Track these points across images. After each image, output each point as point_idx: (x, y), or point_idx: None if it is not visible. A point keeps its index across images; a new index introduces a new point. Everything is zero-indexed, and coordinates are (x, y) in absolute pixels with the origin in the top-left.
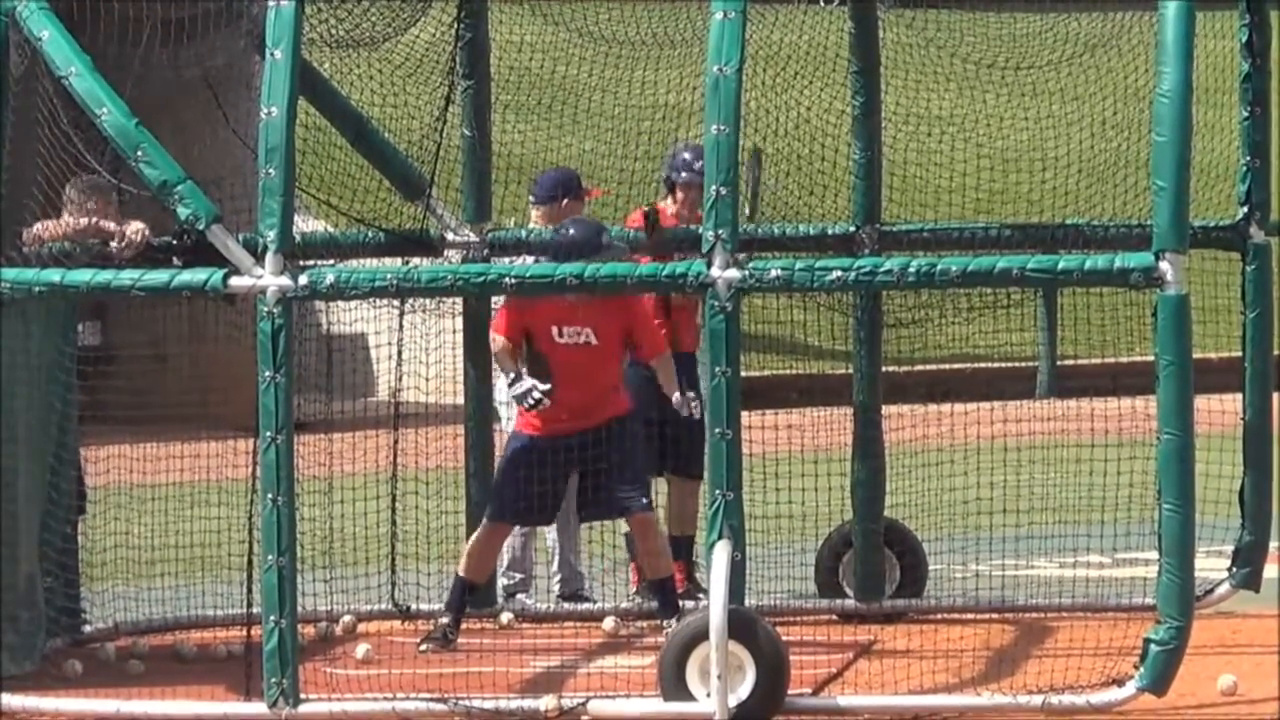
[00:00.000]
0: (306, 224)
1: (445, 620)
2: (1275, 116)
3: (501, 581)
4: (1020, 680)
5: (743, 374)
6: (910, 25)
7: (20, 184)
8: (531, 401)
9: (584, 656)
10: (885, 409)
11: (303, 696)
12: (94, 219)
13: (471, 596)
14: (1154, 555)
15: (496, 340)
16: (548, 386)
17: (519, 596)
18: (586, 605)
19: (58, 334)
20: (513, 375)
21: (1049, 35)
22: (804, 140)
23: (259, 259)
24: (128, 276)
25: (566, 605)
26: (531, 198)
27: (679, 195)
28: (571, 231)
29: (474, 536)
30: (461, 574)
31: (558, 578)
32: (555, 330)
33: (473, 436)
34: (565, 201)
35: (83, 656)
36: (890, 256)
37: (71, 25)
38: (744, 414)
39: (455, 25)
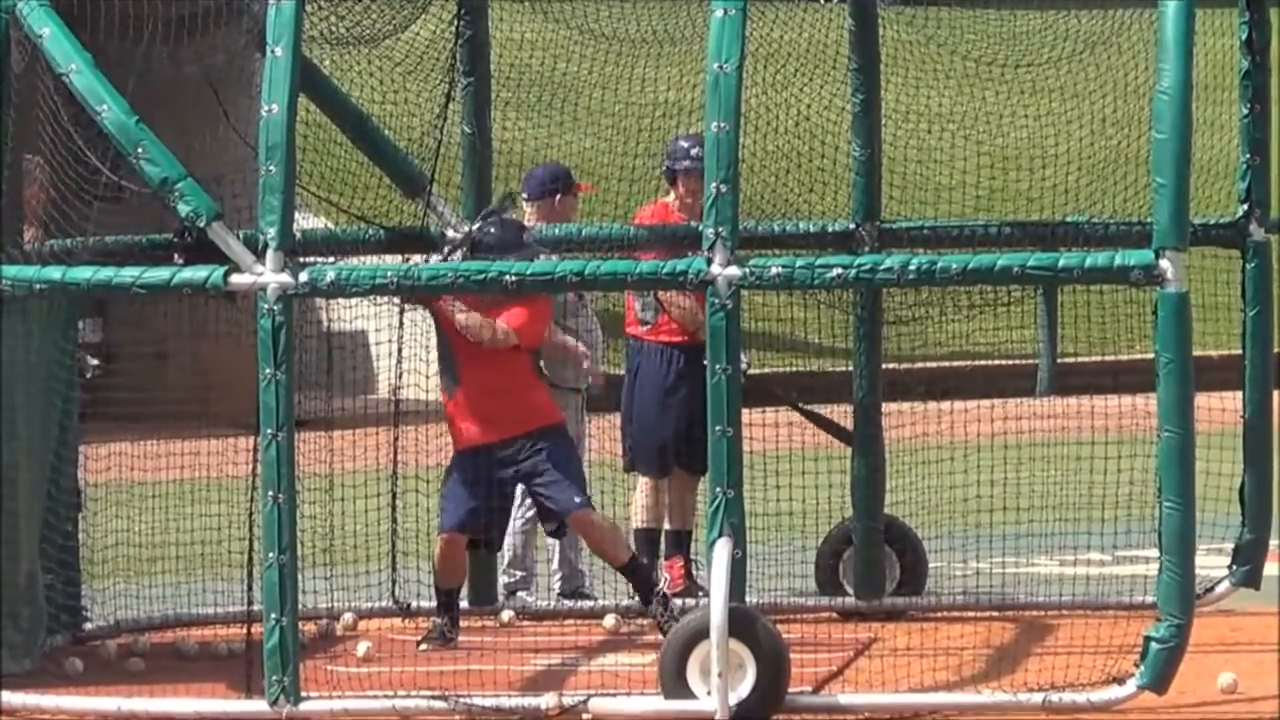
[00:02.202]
0: (307, 221)
1: (441, 620)
2: (1275, 114)
3: (502, 579)
4: (1021, 678)
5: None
6: (910, 23)
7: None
8: None
9: (585, 654)
10: (885, 406)
11: (304, 694)
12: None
13: (454, 598)
14: (1154, 553)
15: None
16: None
17: (520, 594)
18: (587, 603)
19: (58, 331)
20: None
21: (1049, 33)
22: (804, 138)
23: (259, 256)
24: (128, 274)
25: (567, 603)
26: (524, 194)
27: (680, 186)
28: (492, 232)
29: (436, 550)
30: (437, 584)
31: (558, 576)
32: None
33: None
34: (558, 197)
35: (83, 654)
36: (890, 254)
37: (72, 22)
38: (744, 411)
39: (455, 22)
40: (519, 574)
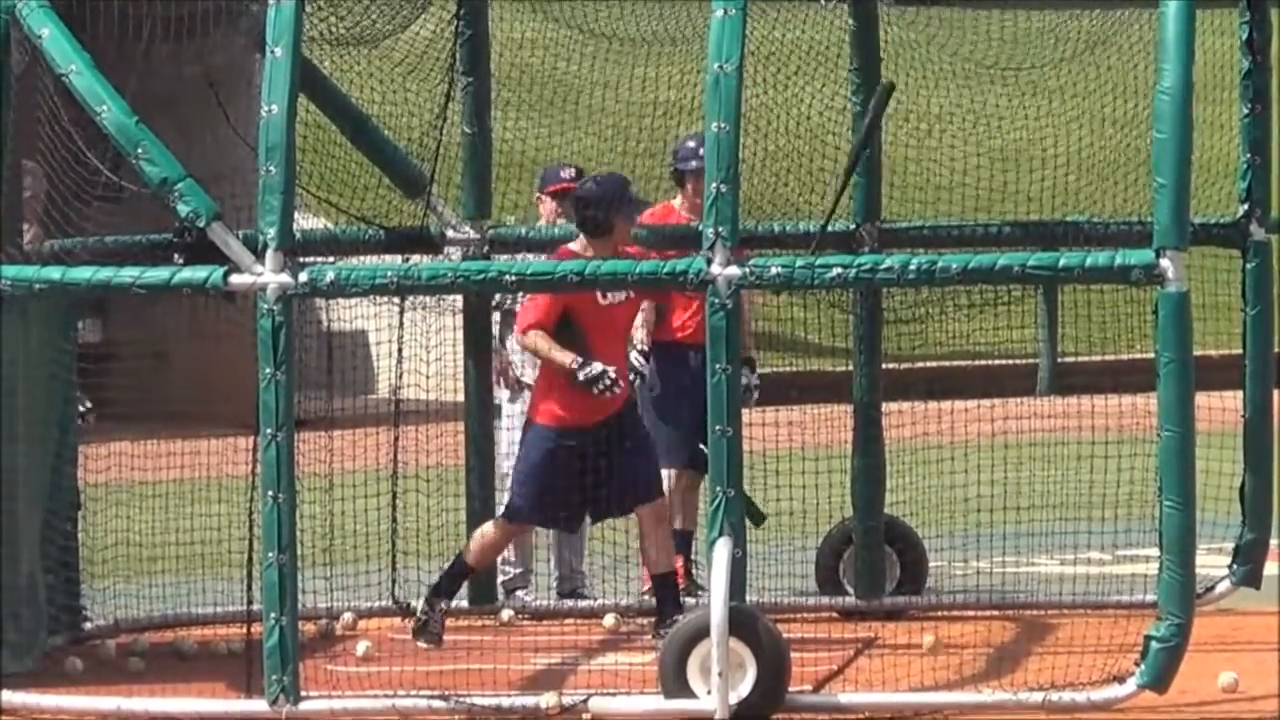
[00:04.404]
0: (307, 221)
1: (435, 609)
2: (1276, 113)
3: (500, 578)
4: (1021, 677)
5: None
6: (911, 23)
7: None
8: (607, 384)
9: (585, 653)
10: (885, 406)
11: (303, 694)
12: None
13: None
14: (1155, 552)
15: (532, 334)
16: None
17: (519, 593)
18: (587, 602)
19: (58, 331)
20: (577, 360)
21: (1050, 33)
22: (804, 138)
23: (259, 256)
24: (128, 274)
25: (567, 602)
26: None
27: (689, 187)
28: (593, 185)
29: (490, 534)
30: (468, 561)
31: (555, 576)
32: (600, 293)
33: (473, 433)
34: (536, 195)
35: (83, 654)
36: (890, 254)
37: (72, 22)
38: (744, 411)
39: (455, 22)
40: (515, 571)
